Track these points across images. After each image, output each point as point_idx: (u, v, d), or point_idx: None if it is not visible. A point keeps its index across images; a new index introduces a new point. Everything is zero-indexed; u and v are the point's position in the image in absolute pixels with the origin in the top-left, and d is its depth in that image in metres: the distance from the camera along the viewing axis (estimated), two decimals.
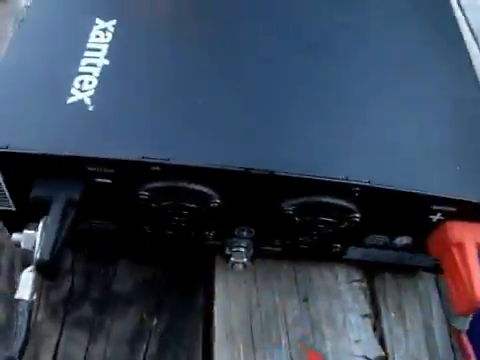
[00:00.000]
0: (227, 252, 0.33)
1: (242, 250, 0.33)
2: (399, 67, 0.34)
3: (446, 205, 0.29)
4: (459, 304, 0.30)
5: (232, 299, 0.36)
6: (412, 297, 0.37)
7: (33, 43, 0.32)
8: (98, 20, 0.34)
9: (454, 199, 0.29)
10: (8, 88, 0.30)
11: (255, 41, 0.34)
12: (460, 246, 0.30)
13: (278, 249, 0.34)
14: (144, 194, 0.29)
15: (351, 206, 0.29)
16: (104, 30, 0.33)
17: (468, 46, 0.64)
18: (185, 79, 0.31)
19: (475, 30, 0.62)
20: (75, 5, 0.35)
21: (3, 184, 0.29)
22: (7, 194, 0.30)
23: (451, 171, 0.30)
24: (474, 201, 0.29)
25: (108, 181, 0.28)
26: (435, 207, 0.29)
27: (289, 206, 0.29)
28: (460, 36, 0.38)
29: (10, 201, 0.30)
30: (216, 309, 0.35)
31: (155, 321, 0.34)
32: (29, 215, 0.28)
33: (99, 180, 0.28)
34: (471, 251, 0.30)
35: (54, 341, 0.33)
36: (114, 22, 0.34)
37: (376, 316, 0.37)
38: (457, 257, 0.30)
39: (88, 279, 0.36)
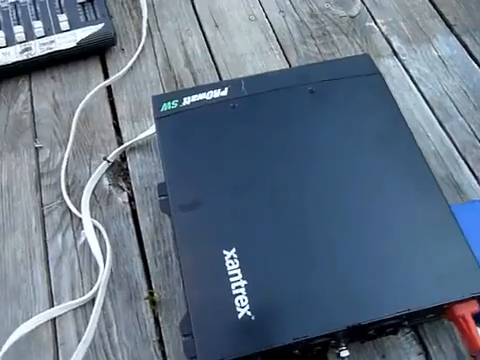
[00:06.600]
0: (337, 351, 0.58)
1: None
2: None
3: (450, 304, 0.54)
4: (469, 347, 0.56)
5: None
6: (442, 332, 0.63)
7: (199, 283, 0.56)
8: (224, 251, 0.57)
9: (452, 301, 0.54)
10: (201, 318, 0.54)
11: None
12: (463, 317, 0.55)
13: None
14: (295, 352, 0.53)
15: (402, 321, 0.54)
16: (232, 258, 0.56)
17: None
18: (302, 278, 0.55)
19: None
20: (206, 240, 0.58)
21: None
22: None
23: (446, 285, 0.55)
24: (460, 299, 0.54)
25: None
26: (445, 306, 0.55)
27: (371, 330, 0.54)
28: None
29: None
30: None
31: None
32: None
33: None
34: (470, 319, 0.55)
35: None
36: (235, 250, 0.57)
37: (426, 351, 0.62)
38: (463, 323, 0.55)
39: None
